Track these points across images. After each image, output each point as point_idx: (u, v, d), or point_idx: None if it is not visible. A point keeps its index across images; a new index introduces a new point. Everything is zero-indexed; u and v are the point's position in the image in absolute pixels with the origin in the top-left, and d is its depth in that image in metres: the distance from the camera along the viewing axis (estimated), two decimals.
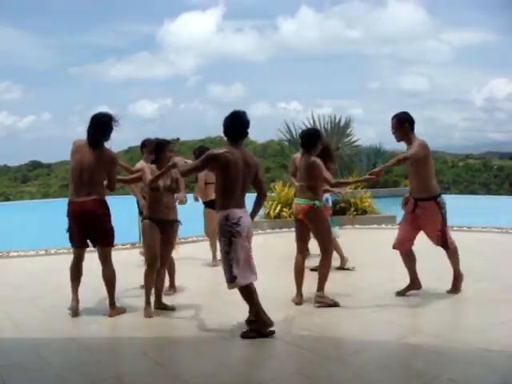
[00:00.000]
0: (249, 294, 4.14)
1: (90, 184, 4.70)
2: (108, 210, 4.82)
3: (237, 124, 4.19)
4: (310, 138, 5.08)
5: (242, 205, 4.17)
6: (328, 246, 5.05)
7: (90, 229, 4.76)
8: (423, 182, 5.05)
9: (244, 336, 4.10)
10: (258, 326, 4.12)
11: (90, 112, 4.84)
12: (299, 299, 5.06)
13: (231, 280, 4.06)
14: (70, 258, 4.91)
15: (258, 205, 4.36)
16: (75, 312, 4.78)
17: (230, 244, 4.03)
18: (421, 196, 5.06)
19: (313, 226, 5.02)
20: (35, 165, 42.36)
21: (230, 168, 4.05)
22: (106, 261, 4.82)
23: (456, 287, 5.33)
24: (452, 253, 5.30)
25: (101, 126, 4.74)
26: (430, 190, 5.05)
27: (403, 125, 4.98)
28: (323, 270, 5.00)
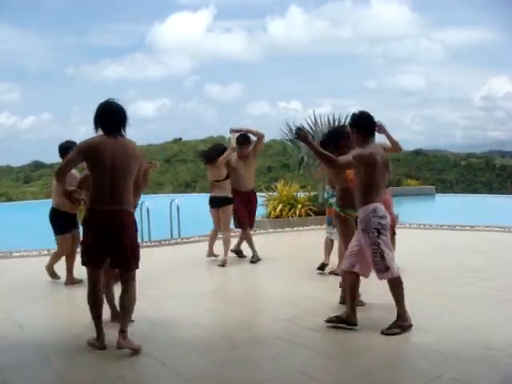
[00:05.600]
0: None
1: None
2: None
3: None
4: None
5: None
6: None
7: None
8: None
9: (387, 333, 4.05)
10: (401, 321, 4.13)
11: (89, 113, 4.70)
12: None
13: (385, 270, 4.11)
14: None
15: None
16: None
17: None
18: None
19: None
20: (38, 165, 42.38)
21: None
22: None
23: None
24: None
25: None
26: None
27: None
28: None
